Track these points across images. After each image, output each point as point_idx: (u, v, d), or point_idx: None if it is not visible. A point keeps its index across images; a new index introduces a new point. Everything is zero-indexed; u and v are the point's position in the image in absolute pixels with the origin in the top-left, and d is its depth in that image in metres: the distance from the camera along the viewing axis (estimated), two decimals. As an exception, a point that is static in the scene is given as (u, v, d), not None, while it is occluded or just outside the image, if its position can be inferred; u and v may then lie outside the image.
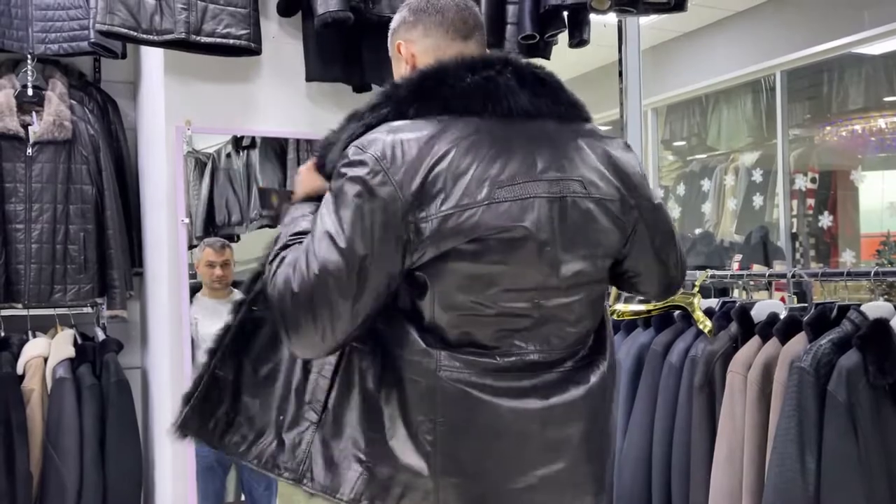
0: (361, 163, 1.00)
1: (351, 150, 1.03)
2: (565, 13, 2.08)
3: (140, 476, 2.34)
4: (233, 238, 2.51)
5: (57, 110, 2.27)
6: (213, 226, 2.47)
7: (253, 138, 2.42)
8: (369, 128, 1.05)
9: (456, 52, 1.10)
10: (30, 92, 2.29)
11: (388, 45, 1.22)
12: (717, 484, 1.56)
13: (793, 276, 1.71)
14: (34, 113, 2.29)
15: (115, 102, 2.50)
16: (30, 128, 2.27)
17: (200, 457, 2.23)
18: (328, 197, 1.03)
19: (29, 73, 2.29)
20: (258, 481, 2.42)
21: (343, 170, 1.02)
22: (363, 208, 0.98)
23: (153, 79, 2.27)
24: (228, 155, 2.48)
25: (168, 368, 2.17)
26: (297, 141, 2.40)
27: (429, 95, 1.05)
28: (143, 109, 2.46)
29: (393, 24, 1.21)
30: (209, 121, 2.19)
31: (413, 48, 1.16)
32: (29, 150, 2.26)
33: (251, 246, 2.54)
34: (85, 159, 2.31)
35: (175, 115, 2.15)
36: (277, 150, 2.44)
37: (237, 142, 2.46)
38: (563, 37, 2.18)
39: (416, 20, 1.16)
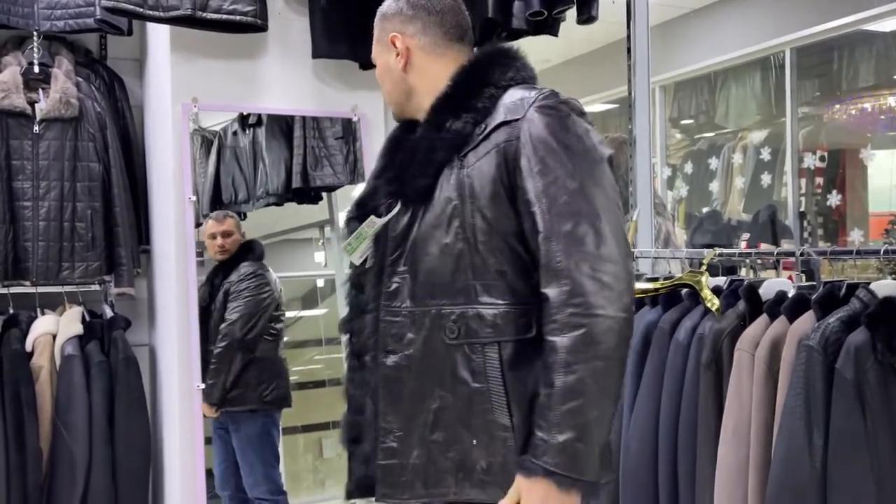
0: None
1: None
2: (574, -11, 2.06)
3: (149, 451, 2.36)
4: (240, 216, 2.52)
5: (63, 87, 2.26)
6: (219, 204, 2.47)
7: (259, 116, 2.42)
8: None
9: (454, 54, 1.22)
10: (36, 69, 2.28)
11: (376, 28, 1.27)
12: (724, 461, 1.56)
13: (802, 254, 1.71)
14: (41, 90, 2.28)
15: (121, 79, 2.49)
16: (36, 105, 2.26)
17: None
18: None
19: (35, 50, 2.28)
20: (250, 448, 2.42)
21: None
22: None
23: (159, 56, 2.26)
24: (235, 133, 2.47)
25: (176, 346, 2.19)
26: (304, 118, 2.39)
27: None
28: (150, 86, 2.45)
29: (385, 10, 1.26)
30: (215, 98, 2.19)
31: (409, 42, 1.23)
32: (36, 128, 2.25)
33: (258, 224, 2.55)
34: (92, 136, 2.31)
35: (181, 93, 2.14)
36: (284, 127, 2.43)
37: (243, 119, 2.45)
38: (572, 13, 2.16)
39: (415, 16, 1.23)
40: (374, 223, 1.19)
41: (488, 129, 1.13)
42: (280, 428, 2.48)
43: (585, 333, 1.03)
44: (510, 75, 1.18)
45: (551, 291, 1.05)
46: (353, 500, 1.24)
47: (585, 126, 1.12)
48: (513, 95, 1.14)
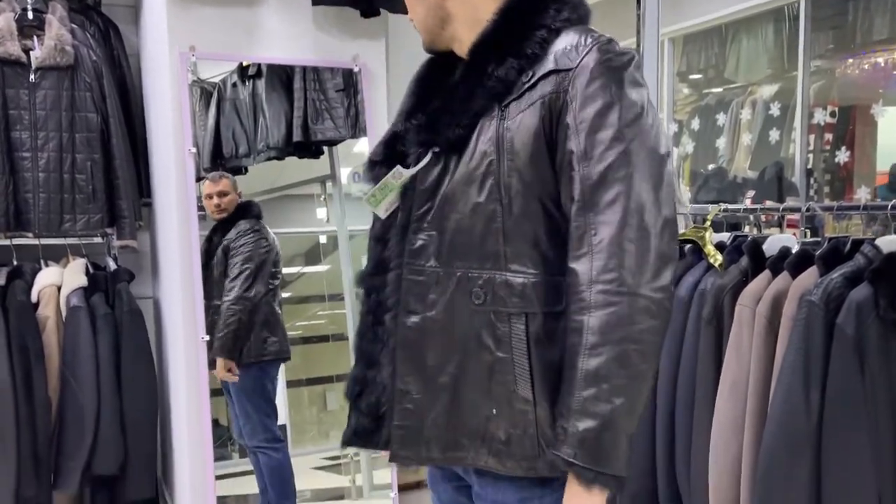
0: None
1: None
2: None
3: (156, 402, 2.40)
4: (240, 170, 2.50)
5: (58, 34, 2.22)
6: (220, 157, 2.45)
7: (259, 67, 2.37)
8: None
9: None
10: (30, 15, 2.24)
11: None
12: (721, 414, 1.57)
13: (807, 210, 1.69)
14: (35, 37, 2.24)
15: (116, 27, 2.44)
16: (31, 53, 2.23)
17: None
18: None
19: (28, -5, 2.23)
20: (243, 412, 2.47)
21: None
22: None
23: (155, 2, 2.21)
24: (234, 84, 2.43)
25: (180, 298, 2.20)
26: (304, 69, 2.35)
27: None
28: (146, 34, 2.40)
29: None
30: (213, 47, 2.14)
31: None
32: (32, 77, 2.22)
33: (259, 178, 2.53)
34: (88, 86, 2.28)
35: (178, 41, 2.10)
36: (284, 79, 2.39)
37: (243, 71, 2.41)
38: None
39: None
40: (401, 174, 1.09)
41: (535, 77, 1.01)
42: (276, 380, 2.51)
43: (615, 313, 0.94)
44: (565, 15, 1.05)
45: (580, 266, 0.97)
46: (348, 448, 1.22)
47: (640, 83, 1.02)
48: (565, 40, 1.02)
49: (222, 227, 2.39)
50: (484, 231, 1.03)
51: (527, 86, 1.01)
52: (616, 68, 1.00)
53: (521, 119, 1.01)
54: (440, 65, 1.17)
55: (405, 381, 1.07)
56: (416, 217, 1.07)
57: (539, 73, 1.01)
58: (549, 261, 1.02)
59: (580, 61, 0.99)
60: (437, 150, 1.06)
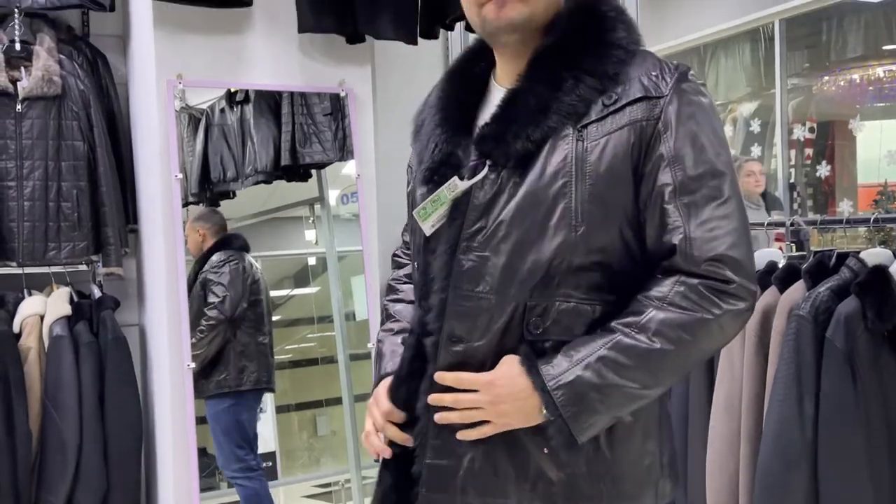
0: None
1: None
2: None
3: (140, 431, 2.36)
4: (228, 194, 2.49)
5: (46, 65, 2.22)
6: (208, 182, 2.45)
7: (247, 93, 2.38)
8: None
9: None
10: (17, 47, 2.23)
11: None
12: (716, 431, 1.58)
13: (791, 224, 1.71)
14: (23, 68, 2.23)
15: (104, 57, 2.44)
16: (18, 83, 2.22)
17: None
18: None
19: (16, 27, 2.23)
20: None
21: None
22: None
23: (143, 32, 2.21)
24: (222, 110, 2.44)
25: (166, 325, 2.17)
26: (291, 95, 2.36)
27: None
28: (134, 64, 2.40)
29: None
30: (201, 74, 2.15)
31: None
32: (18, 107, 2.21)
33: (246, 202, 2.52)
34: (76, 115, 2.27)
35: (166, 69, 2.11)
36: (272, 104, 2.40)
37: (231, 97, 2.42)
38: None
39: None
40: (455, 186, 0.99)
41: (622, 101, 0.95)
42: (254, 410, 2.48)
43: (695, 321, 0.91)
44: (634, 37, 1.00)
45: (684, 265, 0.92)
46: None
47: (718, 114, 1.01)
48: (645, 65, 0.97)
49: (201, 259, 2.39)
50: (551, 257, 0.94)
51: (612, 109, 0.95)
52: (704, 99, 0.97)
53: (607, 143, 0.95)
54: (478, 58, 1.08)
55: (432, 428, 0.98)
56: (467, 236, 0.98)
57: (627, 98, 0.96)
58: (617, 289, 0.96)
59: (671, 89, 0.95)
60: (490, 163, 0.98)
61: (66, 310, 2.27)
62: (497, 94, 1.04)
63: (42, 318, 2.25)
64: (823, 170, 3.97)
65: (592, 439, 0.96)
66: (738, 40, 4.51)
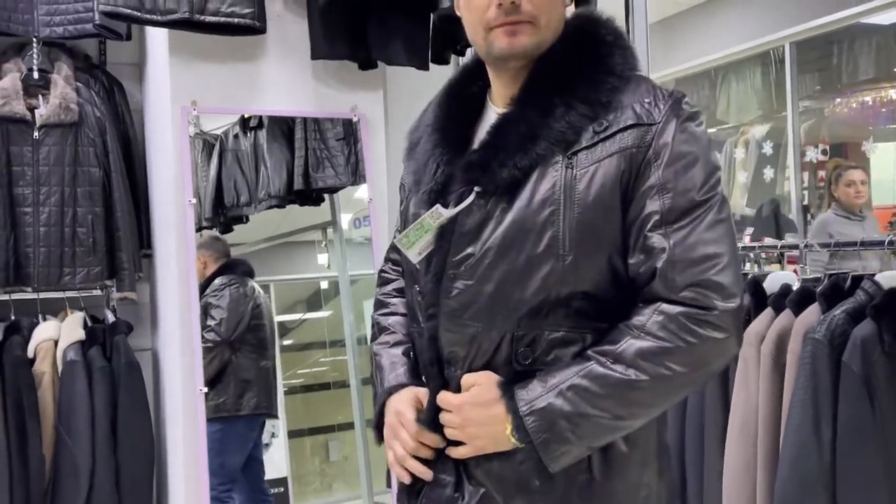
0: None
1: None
2: (572, -15, 2.05)
3: (152, 456, 2.35)
4: (241, 219, 2.51)
5: (63, 93, 2.26)
6: (221, 207, 2.47)
7: (260, 119, 2.41)
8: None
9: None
10: (35, 75, 2.27)
11: None
12: (732, 457, 1.56)
13: (805, 246, 1.70)
14: (40, 96, 2.28)
15: (120, 84, 2.48)
16: (36, 111, 2.26)
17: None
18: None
19: (35, 56, 2.28)
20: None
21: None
22: None
23: (158, 60, 2.25)
24: (236, 136, 2.47)
25: (178, 349, 2.18)
26: (305, 120, 2.39)
27: None
28: (149, 91, 2.44)
29: None
30: (215, 101, 2.18)
31: None
32: (36, 134, 2.25)
33: (259, 227, 2.54)
34: (92, 142, 2.31)
35: (181, 96, 2.14)
36: (285, 129, 2.42)
37: (244, 122, 2.45)
38: (570, 10, 2.15)
39: None
40: (439, 214, 0.98)
41: (613, 129, 0.94)
42: (254, 435, 2.47)
43: (672, 351, 0.89)
44: (631, 63, 0.99)
45: (664, 291, 0.91)
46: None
47: (712, 141, 1.00)
48: (638, 92, 0.96)
49: (203, 285, 2.40)
50: (539, 286, 0.93)
51: (602, 136, 0.94)
52: (698, 127, 0.96)
53: (596, 170, 0.93)
54: (482, 88, 1.07)
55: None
56: (454, 263, 0.97)
57: (619, 125, 0.94)
58: (602, 317, 0.95)
59: (664, 117, 0.94)
60: (479, 189, 0.96)
61: (80, 335, 2.29)
62: (492, 115, 1.04)
63: (56, 342, 2.27)
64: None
65: (585, 468, 0.94)
66: (749, 63, 4.53)
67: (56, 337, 2.27)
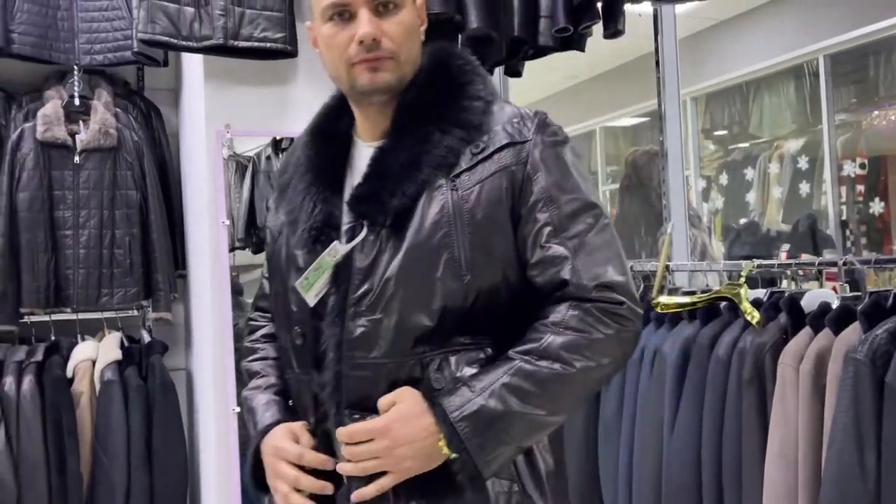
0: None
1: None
2: (599, 4, 2.05)
3: (186, 475, 2.38)
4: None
5: (103, 119, 2.33)
6: (254, 227, 2.50)
7: (291, 140, 2.45)
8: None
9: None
10: (76, 102, 2.35)
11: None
12: (771, 481, 1.51)
13: (844, 263, 1.66)
14: (81, 122, 2.35)
15: (157, 109, 2.55)
16: (77, 136, 2.33)
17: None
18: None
19: (76, 83, 2.36)
20: None
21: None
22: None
23: (194, 85, 2.31)
24: (268, 157, 2.51)
25: (211, 369, 2.21)
26: (334, 141, 2.41)
27: None
28: (185, 115, 2.50)
29: None
30: (248, 124, 2.22)
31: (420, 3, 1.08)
32: (76, 158, 2.32)
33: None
34: (130, 165, 2.37)
35: (215, 120, 2.19)
36: (315, 151, 2.45)
37: (276, 144, 2.49)
38: (598, 28, 2.15)
39: None
40: (336, 251, 0.97)
41: (490, 149, 0.98)
42: None
43: (593, 342, 0.94)
44: (490, 88, 1.05)
45: (576, 293, 0.96)
46: None
47: (577, 152, 1.06)
48: (505, 113, 1.01)
49: None
50: (443, 309, 0.94)
51: (480, 157, 0.98)
52: (564, 141, 1.03)
53: (481, 190, 0.97)
54: (349, 124, 1.08)
55: (355, 484, 0.94)
56: (354, 300, 0.96)
57: (494, 146, 0.98)
58: (509, 329, 0.97)
59: (534, 133, 1.00)
60: (366, 222, 0.97)
61: (117, 355, 2.33)
62: (363, 151, 1.04)
63: (94, 362, 2.32)
64: (877, 207, 3.84)
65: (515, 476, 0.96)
66: (782, 77, 4.47)
67: (94, 357, 2.32)
